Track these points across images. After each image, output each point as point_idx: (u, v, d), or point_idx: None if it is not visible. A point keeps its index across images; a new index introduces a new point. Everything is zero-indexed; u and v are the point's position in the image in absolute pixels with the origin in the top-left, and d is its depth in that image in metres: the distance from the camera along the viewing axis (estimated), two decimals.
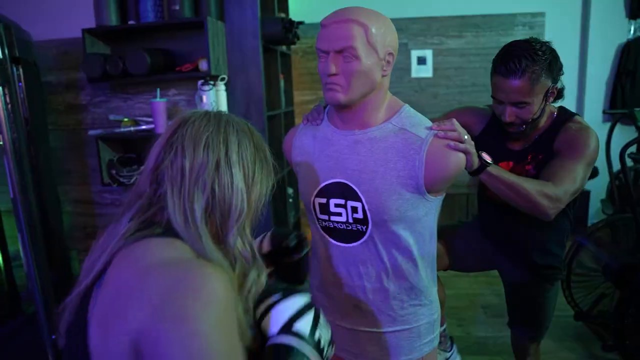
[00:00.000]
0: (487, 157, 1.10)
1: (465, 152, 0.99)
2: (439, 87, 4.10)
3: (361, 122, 1.03)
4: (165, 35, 2.44)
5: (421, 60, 4.08)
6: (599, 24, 3.89)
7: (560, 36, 3.99)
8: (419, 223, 1.03)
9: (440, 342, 1.63)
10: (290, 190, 3.23)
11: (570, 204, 1.41)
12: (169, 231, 0.69)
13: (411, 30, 4.06)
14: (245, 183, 0.75)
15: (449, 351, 1.67)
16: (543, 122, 1.36)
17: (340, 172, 1.04)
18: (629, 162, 2.42)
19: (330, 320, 1.14)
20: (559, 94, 1.34)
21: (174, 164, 0.72)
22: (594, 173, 4.01)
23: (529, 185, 1.18)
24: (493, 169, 1.12)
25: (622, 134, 3.09)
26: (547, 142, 1.32)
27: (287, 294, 0.78)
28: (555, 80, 1.29)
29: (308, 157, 1.12)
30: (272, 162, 0.82)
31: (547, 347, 2.34)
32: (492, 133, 1.45)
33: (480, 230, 1.58)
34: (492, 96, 1.34)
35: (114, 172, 2.40)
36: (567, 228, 1.46)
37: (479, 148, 1.49)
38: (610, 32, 3.89)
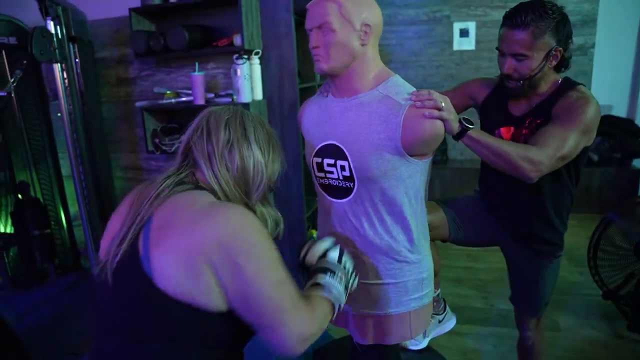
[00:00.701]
0: (468, 122, 1.14)
1: (442, 119, 1.05)
2: (482, 60, 4.01)
3: (350, 89, 1.13)
4: (204, 12, 2.58)
5: (464, 33, 4.00)
6: None
7: (617, 3, 3.77)
8: (403, 183, 1.11)
9: (433, 306, 1.71)
10: None
11: (572, 179, 1.42)
12: (199, 187, 0.91)
13: (454, 1, 3.98)
14: (263, 157, 0.95)
15: (442, 313, 1.74)
16: (546, 88, 1.36)
17: (332, 134, 1.15)
18: None
19: None
20: (564, 62, 1.34)
21: (200, 142, 0.92)
22: None
23: (510, 149, 1.20)
24: (474, 133, 1.16)
25: None
26: (547, 109, 1.33)
27: (317, 240, 1.07)
28: (561, 42, 1.30)
29: (311, 122, 1.25)
30: (281, 149, 1.01)
31: (570, 323, 2.35)
32: (495, 99, 1.48)
33: (480, 202, 1.61)
34: (496, 48, 1.37)
35: (157, 140, 2.61)
36: (568, 203, 1.45)
37: (482, 113, 1.53)
38: None
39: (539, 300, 1.55)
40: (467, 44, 4.01)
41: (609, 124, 3.81)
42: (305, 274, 1.04)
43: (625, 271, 2.31)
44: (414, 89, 1.12)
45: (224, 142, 0.92)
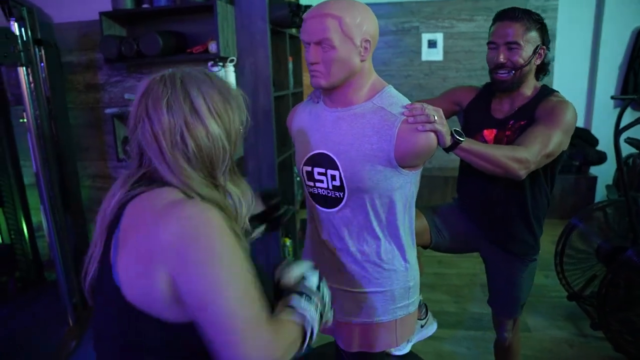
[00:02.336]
0: (459, 135, 1.18)
1: (435, 131, 1.08)
2: (449, 70, 4.15)
3: (345, 100, 1.14)
4: (178, 18, 2.56)
5: (432, 44, 4.12)
6: (614, 7, 3.86)
7: (574, 20, 3.99)
8: (394, 194, 1.13)
9: None
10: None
11: (548, 181, 1.50)
12: (164, 184, 0.80)
13: (423, 13, 4.10)
14: (223, 128, 0.81)
15: (424, 318, 1.79)
16: (528, 92, 1.46)
17: (324, 144, 1.16)
18: (630, 147, 2.45)
19: None
20: (544, 67, 1.47)
21: (145, 133, 0.78)
22: (602, 159, 4.03)
23: (499, 152, 1.27)
24: (465, 144, 1.21)
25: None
26: (529, 112, 1.43)
27: (296, 261, 0.98)
28: (545, 43, 1.44)
29: (302, 130, 1.25)
30: (240, 94, 0.87)
31: (539, 324, 2.45)
32: (478, 104, 1.57)
33: (460, 208, 1.68)
34: (488, 43, 1.47)
35: (128, 148, 2.55)
36: (545, 207, 1.54)
37: (467, 117, 1.60)
38: (626, 16, 3.87)
39: (516, 301, 1.61)
40: (435, 55, 4.15)
41: None
42: (278, 298, 0.94)
43: (588, 273, 2.45)
44: (408, 101, 1.14)
45: (172, 129, 0.77)
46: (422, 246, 1.66)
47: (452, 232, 1.65)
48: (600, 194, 3.92)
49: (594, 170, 4.02)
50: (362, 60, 1.10)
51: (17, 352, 2.22)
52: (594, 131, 4.01)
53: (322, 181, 1.18)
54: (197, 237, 0.72)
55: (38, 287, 2.89)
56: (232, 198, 0.87)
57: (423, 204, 1.75)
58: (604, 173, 3.85)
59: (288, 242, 2.97)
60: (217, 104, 0.81)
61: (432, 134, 1.08)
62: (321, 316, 0.91)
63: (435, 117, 1.07)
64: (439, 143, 1.11)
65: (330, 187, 1.16)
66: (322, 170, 1.16)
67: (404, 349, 1.74)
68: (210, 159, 0.81)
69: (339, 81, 1.10)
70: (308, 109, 1.27)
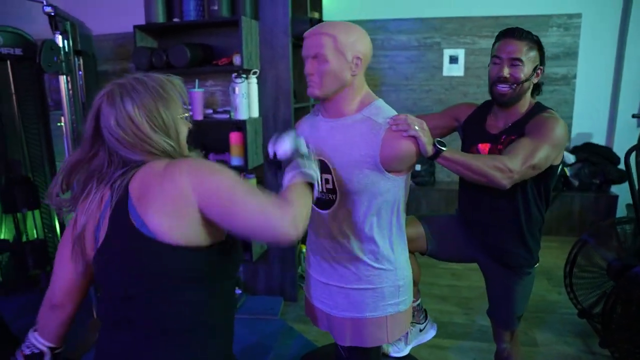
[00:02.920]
0: (441, 144, 1.27)
1: (416, 137, 1.18)
2: (470, 86, 4.20)
3: (338, 112, 1.28)
4: (205, 32, 2.73)
5: (453, 59, 4.19)
6: (639, 25, 3.85)
7: (597, 38, 4.00)
8: (382, 197, 1.24)
9: (413, 315, 1.82)
10: None
11: (543, 199, 1.56)
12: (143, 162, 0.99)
13: (445, 29, 4.18)
14: (153, 127, 0.98)
15: (423, 323, 1.85)
16: (523, 109, 1.54)
17: (319, 151, 1.28)
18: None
19: (310, 273, 1.41)
20: (539, 87, 1.56)
21: (112, 143, 0.98)
22: (623, 177, 4.00)
23: (480, 162, 1.34)
24: (447, 153, 1.28)
25: None
26: (521, 127, 1.50)
27: (282, 134, 1.15)
28: (542, 64, 1.53)
29: None
30: (177, 88, 1.06)
31: (547, 339, 2.47)
32: (475, 119, 1.66)
33: (459, 220, 1.74)
34: (492, 57, 1.55)
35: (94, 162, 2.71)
36: (540, 222, 1.59)
37: (465, 131, 1.68)
38: None
39: (512, 314, 1.67)
40: (456, 70, 4.21)
41: (589, 151, 4.00)
42: (276, 169, 1.16)
43: (599, 290, 2.45)
44: (395, 112, 1.25)
45: (115, 124, 0.97)
46: (419, 252, 1.74)
47: (447, 241, 1.72)
48: (621, 212, 3.88)
49: (615, 189, 3.98)
50: (352, 75, 1.22)
51: None
52: (615, 149, 3.98)
53: (318, 184, 1.29)
54: (200, 165, 0.94)
55: None
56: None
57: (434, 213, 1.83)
58: (625, 192, 3.80)
59: (304, 248, 3.07)
60: (152, 109, 0.99)
61: (414, 141, 1.19)
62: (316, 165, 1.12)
63: (416, 126, 1.17)
64: (420, 152, 1.22)
65: (324, 190, 1.28)
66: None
67: (402, 352, 1.81)
68: (166, 133, 1.00)
69: (331, 92, 1.23)
70: (310, 120, 1.40)
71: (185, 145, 1.07)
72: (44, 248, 3.00)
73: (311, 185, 1.06)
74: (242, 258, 0.97)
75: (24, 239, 2.98)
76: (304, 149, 1.12)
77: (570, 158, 4.00)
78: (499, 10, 4.06)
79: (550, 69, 4.05)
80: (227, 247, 1.01)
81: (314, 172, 1.07)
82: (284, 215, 0.90)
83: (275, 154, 1.14)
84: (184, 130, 1.06)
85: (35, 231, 3.04)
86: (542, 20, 4.01)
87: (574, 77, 4.08)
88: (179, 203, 0.92)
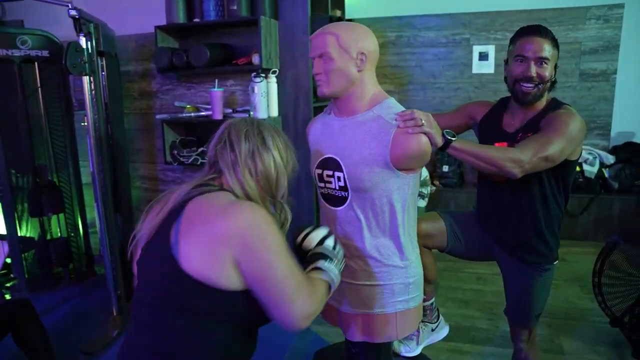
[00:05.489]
0: (450, 135, 1.34)
1: (424, 133, 1.26)
2: (500, 83, 4.16)
3: (349, 110, 1.36)
4: (225, 31, 2.88)
5: (483, 56, 4.21)
6: None
7: None
8: (392, 194, 1.32)
9: (425, 314, 1.89)
10: None
11: (562, 193, 1.61)
12: (223, 190, 1.11)
13: (474, 25, 4.21)
14: (282, 160, 1.16)
15: (435, 322, 1.91)
16: (541, 105, 1.58)
17: (332, 149, 1.37)
18: None
19: None
20: (554, 84, 1.59)
21: (225, 153, 1.12)
22: None
23: (492, 152, 1.41)
24: (457, 144, 1.35)
25: None
26: (536, 124, 1.55)
27: (316, 227, 1.25)
28: (558, 61, 1.57)
29: (315, 137, 1.49)
30: (294, 151, 1.22)
31: (575, 348, 2.48)
32: (492, 118, 1.71)
33: (477, 217, 1.80)
34: (515, 56, 1.56)
35: (175, 152, 2.88)
36: (559, 216, 1.64)
37: (480, 130, 1.74)
38: None
39: (529, 312, 1.71)
40: (487, 68, 4.23)
41: (631, 151, 3.94)
42: (299, 257, 1.21)
43: (632, 298, 2.43)
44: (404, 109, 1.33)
45: (246, 152, 1.11)
46: (438, 249, 1.81)
47: (468, 238, 1.79)
48: None
49: None
50: (359, 71, 1.31)
51: (65, 336, 2.55)
52: None
53: (330, 182, 1.39)
54: (255, 226, 1.01)
55: (89, 279, 3.28)
56: (282, 211, 1.22)
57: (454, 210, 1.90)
58: None
59: None
60: (280, 144, 1.17)
61: (424, 138, 1.26)
62: (340, 272, 1.21)
63: (424, 121, 1.25)
64: (431, 144, 1.29)
65: (337, 188, 1.37)
66: (330, 172, 1.38)
67: (414, 351, 1.88)
68: (271, 181, 1.14)
69: (339, 89, 1.32)
70: (322, 119, 1.50)
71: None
72: (67, 246, 3.20)
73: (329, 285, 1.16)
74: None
75: (48, 237, 3.19)
76: (329, 250, 1.20)
77: (609, 158, 3.97)
78: (533, 4, 4.06)
79: (588, 64, 4.02)
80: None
81: (336, 277, 1.17)
82: (304, 307, 1.03)
83: (302, 240, 1.22)
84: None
85: (59, 230, 3.24)
86: (579, 12, 3.98)
87: (614, 72, 4.03)
88: (219, 241, 1.00)
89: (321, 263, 1.16)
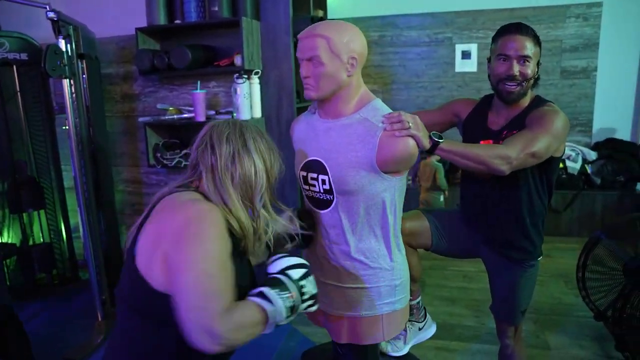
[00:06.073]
0: (437, 137, 1.34)
1: (411, 135, 1.25)
2: (483, 81, 4.21)
3: (335, 112, 1.34)
4: (207, 33, 2.86)
5: (465, 55, 4.25)
6: None
7: (620, 27, 4.01)
8: (378, 197, 1.31)
9: (412, 314, 1.90)
10: None
11: (546, 189, 1.63)
12: (197, 191, 1.10)
13: (456, 24, 4.24)
14: (263, 165, 1.12)
15: (422, 321, 1.92)
16: (525, 103, 1.60)
17: (316, 151, 1.36)
18: None
19: None
20: (536, 81, 1.60)
21: (205, 156, 1.09)
22: None
23: (480, 150, 1.42)
24: (444, 145, 1.36)
25: None
26: (521, 121, 1.56)
27: (290, 255, 1.15)
28: (540, 59, 1.58)
29: (299, 139, 1.47)
30: (279, 153, 1.19)
31: (560, 342, 2.51)
32: (476, 116, 1.72)
33: (461, 214, 1.81)
34: (498, 55, 1.56)
35: (159, 155, 2.86)
36: (543, 213, 1.66)
37: (465, 128, 1.75)
38: None
39: (515, 308, 1.73)
40: (469, 66, 4.26)
41: (612, 147, 4.01)
42: (262, 272, 1.14)
43: (615, 292, 2.47)
44: (391, 111, 1.32)
45: (227, 155, 1.08)
46: (423, 248, 1.82)
47: (452, 236, 1.80)
48: None
49: None
50: (348, 76, 1.29)
51: (50, 343, 2.52)
52: None
53: (314, 185, 1.37)
54: (195, 223, 0.97)
55: (73, 284, 3.23)
56: (259, 219, 1.15)
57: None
58: None
59: None
60: (263, 148, 1.13)
61: (411, 141, 1.25)
62: (292, 308, 1.04)
63: (410, 124, 1.24)
64: (418, 146, 1.28)
65: (322, 191, 1.36)
66: (315, 175, 1.36)
67: (402, 350, 1.89)
68: (251, 185, 1.10)
69: (327, 94, 1.30)
70: (306, 120, 1.47)
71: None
72: (50, 251, 3.16)
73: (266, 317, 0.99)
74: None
75: (30, 242, 3.14)
76: (288, 280, 1.06)
77: (591, 155, 4.02)
78: (514, 2, 4.10)
79: (569, 62, 4.08)
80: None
81: (280, 309, 1.00)
82: (206, 323, 0.88)
83: (270, 263, 1.12)
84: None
85: (41, 235, 3.20)
86: (559, 10, 4.03)
87: (595, 69, 4.10)
88: (160, 236, 0.99)
89: (267, 289, 1.02)
